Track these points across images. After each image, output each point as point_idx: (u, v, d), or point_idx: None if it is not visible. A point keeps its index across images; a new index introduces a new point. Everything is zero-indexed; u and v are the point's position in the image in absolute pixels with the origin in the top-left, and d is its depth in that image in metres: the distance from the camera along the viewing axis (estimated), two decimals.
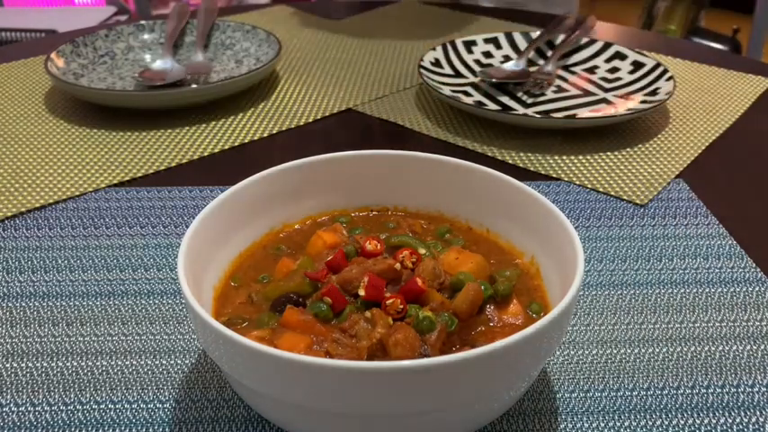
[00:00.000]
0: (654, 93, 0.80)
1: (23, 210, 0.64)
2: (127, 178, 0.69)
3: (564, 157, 0.73)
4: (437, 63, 0.88)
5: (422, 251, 0.46)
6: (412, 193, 0.53)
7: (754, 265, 0.57)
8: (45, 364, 0.47)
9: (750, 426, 0.43)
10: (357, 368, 0.33)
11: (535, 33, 0.96)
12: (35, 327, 0.50)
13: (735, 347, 0.48)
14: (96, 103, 0.82)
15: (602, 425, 0.43)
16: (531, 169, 0.71)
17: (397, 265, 0.44)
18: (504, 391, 0.38)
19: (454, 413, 0.37)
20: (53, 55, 0.86)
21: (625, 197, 0.66)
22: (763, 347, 0.48)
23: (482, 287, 0.43)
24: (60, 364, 0.47)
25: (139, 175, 0.70)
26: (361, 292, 0.42)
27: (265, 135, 0.78)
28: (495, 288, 0.44)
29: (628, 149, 0.74)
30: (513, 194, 0.48)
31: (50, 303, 0.52)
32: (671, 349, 0.48)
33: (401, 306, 0.41)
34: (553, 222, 0.44)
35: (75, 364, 0.47)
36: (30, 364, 0.47)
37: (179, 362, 0.47)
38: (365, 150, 0.52)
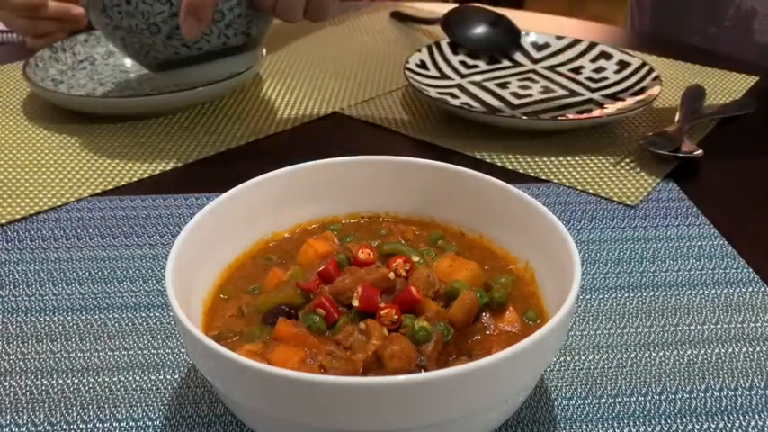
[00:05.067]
0: (640, 92, 0.80)
1: (3, 222, 0.62)
2: (110, 187, 0.68)
3: (553, 159, 0.72)
4: (423, 65, 0.88)
5: (415, 258, 0.45)
6: (403, 199, 0.52)
7: (746, 265, 0.56)
8: (29, 383, 0.45)
9: (749, 429, 0.42)
10: (353, 384, 0.33)
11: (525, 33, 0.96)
12: (18, 343, 0.49)
13: (731, 350, 0.48)
14: (76, 110, 0.80)
15: None
16: (521, 171, 0.70)
17: (391, 274, 0.43)
18: (503, 402, 0.38)
19: (452, 426, 0.36)
20: (31, 61, 0.85)
21: (615, 198, 0.65)
22: (758, 349, 0.48)
23: (478, 295, 0.42)
24: (45, 381, 0.45)
25: (123, 183, 0.68)
26: (355, 303, 0.41)
27: (251, 140, 0.77)
28: (491, 296, 0.43)
29: (616, 150, 0.74)
30: (505, 199, 0.48)
31: (33, 318, 0.51)
32: (667, 353, 0.48)
33: (396, 316, 0.40)
34: (547, 227, 0.44)
35: (60, 381, 0.45)
36: (13, 383, 0.45)
37: (168, 377, 0.46)
38: (354, 157, 0.51)
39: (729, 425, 0.43)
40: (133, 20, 0.70)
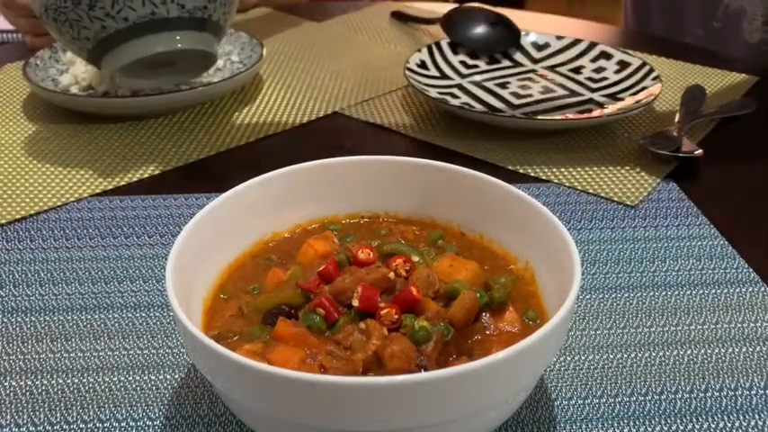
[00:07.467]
0: (640, 92, 0.80)
1: (3, 222, 0.62)
2: (110, 187, 0.68)
3: (553, 159, 0.72)
4: (423, 65, 0.88)
5: (415, 258, 0.45)
6: (403, 199, 0.52)
7: (746, 265, 0.56)
8: (29, 383, 0.45)
9: (749, 429, 0.42)
10: (353, 384, 0.33)
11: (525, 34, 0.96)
12: (18, 343, 0.49)
13: (731, 350, 0.48)
14: (76, 110, 0.80)
15: None
16: (521, 171, 0.70)
17: (391, 274, 0.43)
18: (503, 402, 0.38)
19: (452, 426, 0.36)
20: (31, 60, 0.85)
21: (615, 198, 0.65)
22: (758, 349, 0.48)
23: (478, 295, 0.42)
24: (45, 381, 0.45)
25: (123, 183, 0.68)
26: (355, 303, 0.41)
27: (251, 140, 0.77)
28: (491, 295, 0.43)
29: (616, 150, 0.74)
30: (505, 199, 0.48)
31: (33, 318, 0.51)
32: (667, 353, 0.48)
33: (396, 316, 0.40)
34: (547, 227, 0.44)
35: (60, 381, 0.45)
36: (13, 383, 0.45)
37: (168, 377, 0.46)
38: (354, 157, 0.51)
39: (729, 425, 0.43)
40: None
